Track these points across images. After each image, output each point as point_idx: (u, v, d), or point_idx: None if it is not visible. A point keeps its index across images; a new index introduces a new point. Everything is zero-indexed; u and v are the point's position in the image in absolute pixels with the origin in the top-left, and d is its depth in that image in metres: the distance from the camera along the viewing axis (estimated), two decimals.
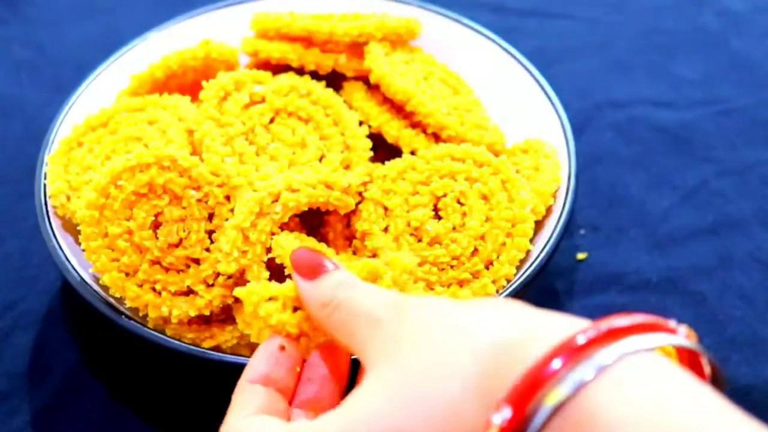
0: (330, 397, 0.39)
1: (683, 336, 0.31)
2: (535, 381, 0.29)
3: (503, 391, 0.30)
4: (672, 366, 0.30)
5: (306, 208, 0.50)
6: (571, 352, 0.29)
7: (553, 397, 0.29)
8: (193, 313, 0.49)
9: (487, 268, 0.52)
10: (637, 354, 0.30)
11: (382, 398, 0.33)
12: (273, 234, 0.49)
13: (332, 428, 0.33)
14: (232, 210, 0.50)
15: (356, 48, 0.59)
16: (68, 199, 0.54)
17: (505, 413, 0.29)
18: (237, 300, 0.50)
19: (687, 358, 0.32)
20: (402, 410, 0.32)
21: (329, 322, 0.38)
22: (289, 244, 0.47)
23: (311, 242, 0.51)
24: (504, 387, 0.30)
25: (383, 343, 0.35)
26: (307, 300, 0.39)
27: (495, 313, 0.33)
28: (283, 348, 0.40)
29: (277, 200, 0.49)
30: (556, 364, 0.29)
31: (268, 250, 0.49)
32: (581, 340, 0.30)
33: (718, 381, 0.32)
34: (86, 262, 0.50)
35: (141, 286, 0.49)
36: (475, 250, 0.52)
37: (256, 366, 0.39)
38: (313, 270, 0.40)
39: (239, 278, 0.50)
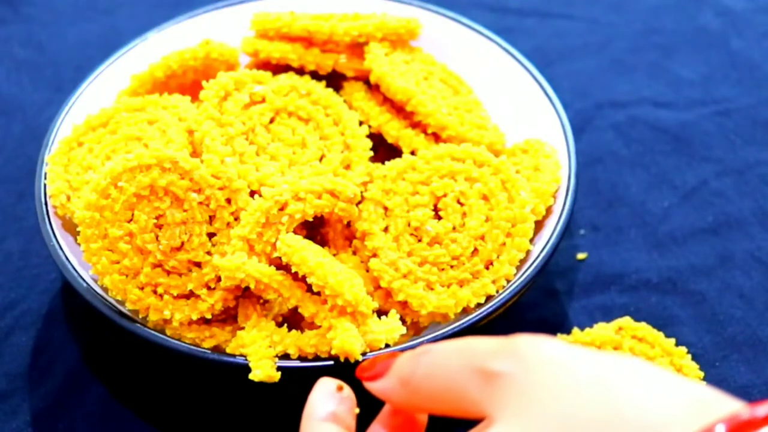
0: None
1: None
2: None
3: None
4: None
5: (311, 219, 0.50)
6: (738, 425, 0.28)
7: None
8: (195, 317, 0.49)
9: (487, 268, 0.52)
10: None
11: None
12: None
13: None
14: (232, 213, 0.50)
15: (356, 48, 0.59)
16: (68, 199, 0.54)
17: None
18: (239, 299, 0.50)
19: None
20: None
21: (418, 395, 0.36)
22: (296, 243, 0.47)
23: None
24: None
25: (514, 396, 0.32)
26: (381, 389, 0.37)
27: (630, 390, 0.31)
28: (341, 388, 0.38)
29: (283, 209, 0.49)
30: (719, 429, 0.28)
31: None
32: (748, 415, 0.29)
33: None
34: (86, 262, 0.50)
35: (142, 288, 0.49)
36: (475, 250, 0.52)
37: (321, 403, 0.37)
38: (381, 370, 0.37)
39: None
